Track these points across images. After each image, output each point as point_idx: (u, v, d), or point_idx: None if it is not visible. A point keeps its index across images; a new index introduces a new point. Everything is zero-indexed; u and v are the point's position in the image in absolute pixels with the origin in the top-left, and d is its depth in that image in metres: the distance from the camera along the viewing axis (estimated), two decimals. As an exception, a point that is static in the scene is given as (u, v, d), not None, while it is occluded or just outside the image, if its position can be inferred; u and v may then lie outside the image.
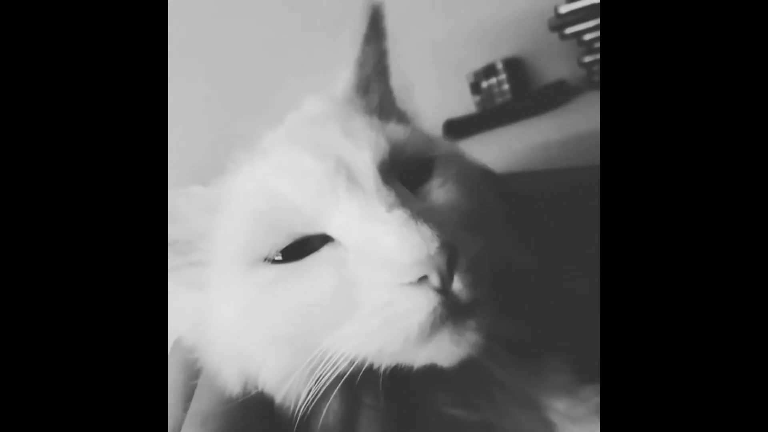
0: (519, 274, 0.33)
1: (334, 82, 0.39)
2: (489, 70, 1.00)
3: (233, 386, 0.30)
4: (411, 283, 0.26)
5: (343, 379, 0.28)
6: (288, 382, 0.29)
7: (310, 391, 0.29)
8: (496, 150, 0.50)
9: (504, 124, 0.93)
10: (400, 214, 0.27)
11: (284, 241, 0.29)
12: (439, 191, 0.32)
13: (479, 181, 0.35)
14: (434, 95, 0.95)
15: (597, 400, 0.33)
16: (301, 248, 0.30)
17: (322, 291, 0.28)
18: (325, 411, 0.29)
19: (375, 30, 0.39)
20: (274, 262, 0.30)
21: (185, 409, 0.31)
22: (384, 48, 0.40)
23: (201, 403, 0.30)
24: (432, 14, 1.03)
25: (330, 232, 0.29)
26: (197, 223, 0.33)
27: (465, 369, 0.30)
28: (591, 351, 0.26)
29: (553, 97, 0.93)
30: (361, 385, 0.30)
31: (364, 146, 0.30)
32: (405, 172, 0.32)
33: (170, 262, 0.33)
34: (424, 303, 0.26)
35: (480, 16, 1.02)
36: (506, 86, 0.99)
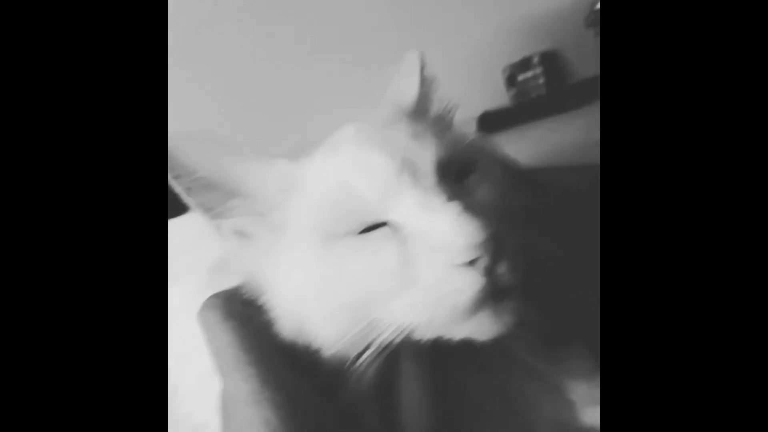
0: (545, 265, 0.35)
1: (396, 95, 0.44)
2: (525, 64, 1.01)
3: (286, 337, 0.35)
4: (463, 264, 0.30)
5: (389, 350, 0.32)
6: (341, 343, 0.33)
7: (360, 354, 0.33)
8: (528, 144, 0.52)
9: (538, 118, 0.94)
10: (455, 206, 0.32)
11: (356, 228, 0.34)
12: (480, 189, 0.36)
13: (510, 181, 0.39)
14: (470, 86, 0.96)
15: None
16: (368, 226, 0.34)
17: (385, 264, 0.32)
18: (366, 377, 0.33)
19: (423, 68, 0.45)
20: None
21: (240, 349, 0.34)
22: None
23: (253, 348, 0.34)
24: (472, 6, 1.04)
25: (393, 219, 0.33)
26: (274, 195, 0.37)
27: (497, 352, 0.35)
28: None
29: (588, 93, 0.93)
30: (403, 357, 0.34)
31: (427, 147, 0.35)
32: (455, 172, 0.36)
33: (234, 214, 0.37)
34: (473, 281, 0.31)
35: (519, 10, 1.02)
36: (542, 80, 1.00)
